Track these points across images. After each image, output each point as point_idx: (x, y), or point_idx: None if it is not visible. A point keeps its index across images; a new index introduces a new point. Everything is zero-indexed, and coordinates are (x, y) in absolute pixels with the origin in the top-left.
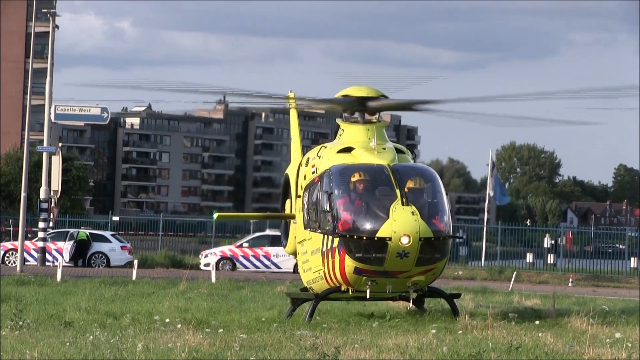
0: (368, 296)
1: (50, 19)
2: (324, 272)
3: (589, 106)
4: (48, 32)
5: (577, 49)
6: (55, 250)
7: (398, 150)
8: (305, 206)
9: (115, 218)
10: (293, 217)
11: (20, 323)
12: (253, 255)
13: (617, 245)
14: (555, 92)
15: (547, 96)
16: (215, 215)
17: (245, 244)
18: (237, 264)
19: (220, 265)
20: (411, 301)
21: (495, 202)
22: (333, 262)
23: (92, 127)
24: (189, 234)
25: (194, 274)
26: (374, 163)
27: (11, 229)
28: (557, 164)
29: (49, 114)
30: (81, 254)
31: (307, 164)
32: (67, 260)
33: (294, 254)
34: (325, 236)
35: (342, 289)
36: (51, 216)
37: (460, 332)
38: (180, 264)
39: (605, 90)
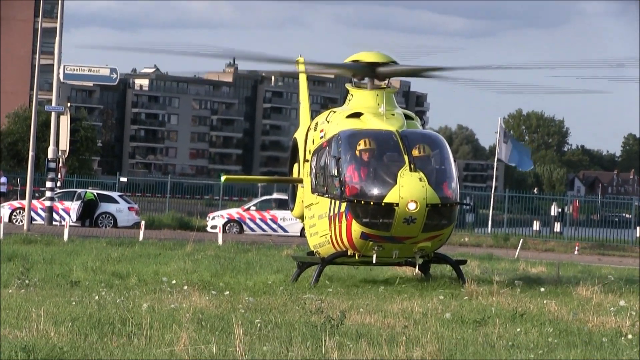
0: (374, 261)
1: None
2: (331, 236)
3: (595, 76)
4: None
5: (587, 19)
6: (63, 210)
7: (407, 117)
8: (313, 170)
9: (123, 179)
10: (301, 181)
11: (27, 282)
12: (260, 219)
13: (624, 214)
14: (562, 63)
15: (552, 65)
16: (222, 178)
17: (253, 207)
18: (244, 227)
19: (227, 228)
20: (417, 267)
21: (517, 168)
22: (340, 227)
23: (101, 87)
24: (196, 196)
25: (200, 236)
26: (383, 129)
27: (19, 188)
28: (565, 133)
29: (58, 73)
30: (89, 214)
31: (315, 129)
32: (74, 220)
33: (301, 217)
34: (333, 201)
35: (349, 253)
36: (59, 176)
37: (465, 298)
38: (187, 226)
39: (611, 66)
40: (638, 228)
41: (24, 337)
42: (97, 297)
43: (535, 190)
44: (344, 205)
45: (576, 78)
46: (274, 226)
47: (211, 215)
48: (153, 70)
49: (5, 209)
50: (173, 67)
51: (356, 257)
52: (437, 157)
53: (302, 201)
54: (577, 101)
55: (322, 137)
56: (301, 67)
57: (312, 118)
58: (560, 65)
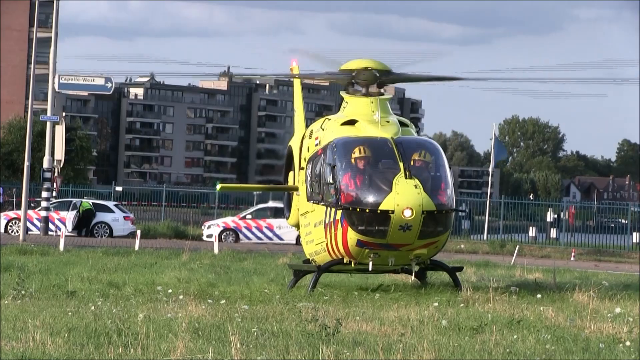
0: (370, 269)
1: None
2: (327, 244)
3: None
4: (52, 1)
5: (581, 25)
6: (58, 219)
7: (402, 124)
8: (309, 178)
9: (118, 188)
10: (296, 189)
11: (23, 292)
12: (256, 227)
13: (620, 220)
14: (558, 67)
15: (550, 70)
16: (218, 187)
17: (248, 216)
18: (240, 236)
19: (223, 236)
20: (413, 274)
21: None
22: (336, 235)
23: (95, 97)
24: (192, 205)
25: (196, 245)
26: (378, 136)
27: (14, 198)
28: (561, 139)
29: (53, 83)
30: (86, 223)
31: (310, 136)
32: (70, 230)
33: (297, 225)
34: (328, 208)
35: (345, 261)
36: (54, 186)
37: (462, 305)
38: (183, 234)
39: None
40: (634, 234)
41: (20, 348)
42: (93, 307)
43: (530, 197)
44: (339, 212)
45: (572, 80)
46: (270, 234)
47: (207, 224)
48: (148, 79)
49: (1, 219)
50: (168, 76)
51: (352, 264)
52: (432, 164)
53: (298, 209)
54: (572, 107)
55: (317, 145)
56: (296, 73)
57: (307, 126)
58: (554, 68)
